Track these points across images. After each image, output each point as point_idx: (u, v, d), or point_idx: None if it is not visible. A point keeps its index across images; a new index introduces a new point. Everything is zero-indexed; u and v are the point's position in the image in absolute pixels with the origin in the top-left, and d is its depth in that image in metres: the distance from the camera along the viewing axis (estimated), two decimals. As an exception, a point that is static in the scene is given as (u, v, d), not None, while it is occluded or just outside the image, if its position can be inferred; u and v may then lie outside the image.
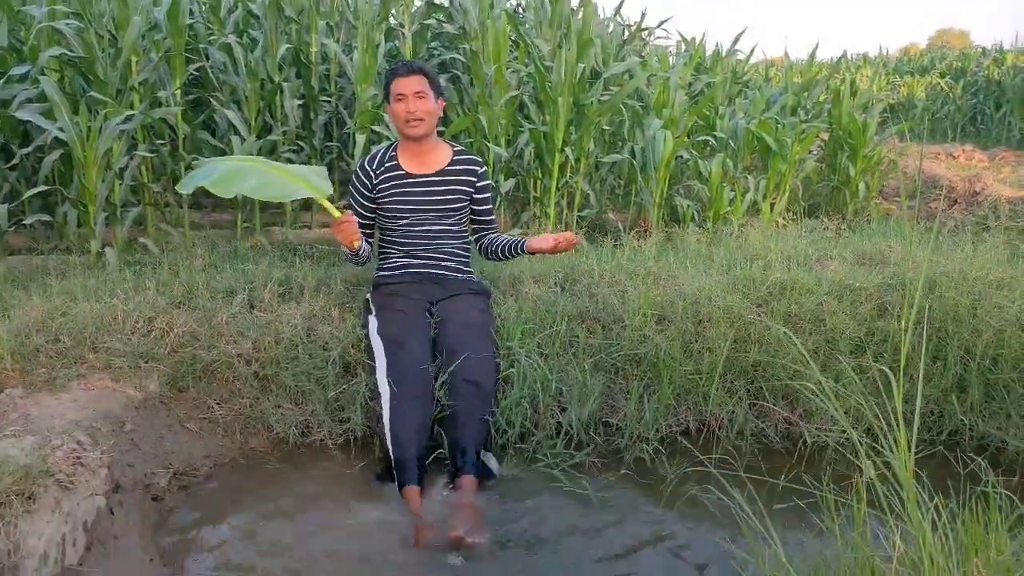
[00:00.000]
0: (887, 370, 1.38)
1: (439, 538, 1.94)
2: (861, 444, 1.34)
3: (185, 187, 2.41)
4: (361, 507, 2.13)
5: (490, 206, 2.75)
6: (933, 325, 2.58)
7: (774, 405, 2.50)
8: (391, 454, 2.21)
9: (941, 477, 1.94)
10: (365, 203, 2.65)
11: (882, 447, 1.32)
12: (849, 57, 12.53)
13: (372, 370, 2.40)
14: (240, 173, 2.40)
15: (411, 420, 2.23)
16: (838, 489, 1.48)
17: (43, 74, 3.37)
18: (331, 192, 2.48)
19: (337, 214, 2.45)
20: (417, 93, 2.51)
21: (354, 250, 2.50)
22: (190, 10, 4.16)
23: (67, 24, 3.43)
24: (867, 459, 1.31)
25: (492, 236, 2.75)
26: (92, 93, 3.42)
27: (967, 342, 2.55)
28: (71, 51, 3.42)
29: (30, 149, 3.49)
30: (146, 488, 2.11)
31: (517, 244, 2.65)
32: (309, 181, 2.44)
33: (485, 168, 2.72)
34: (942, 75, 11.83)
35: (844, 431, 2.30)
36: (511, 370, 2.47)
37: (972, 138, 9.79)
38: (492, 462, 2.30)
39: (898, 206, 5.29)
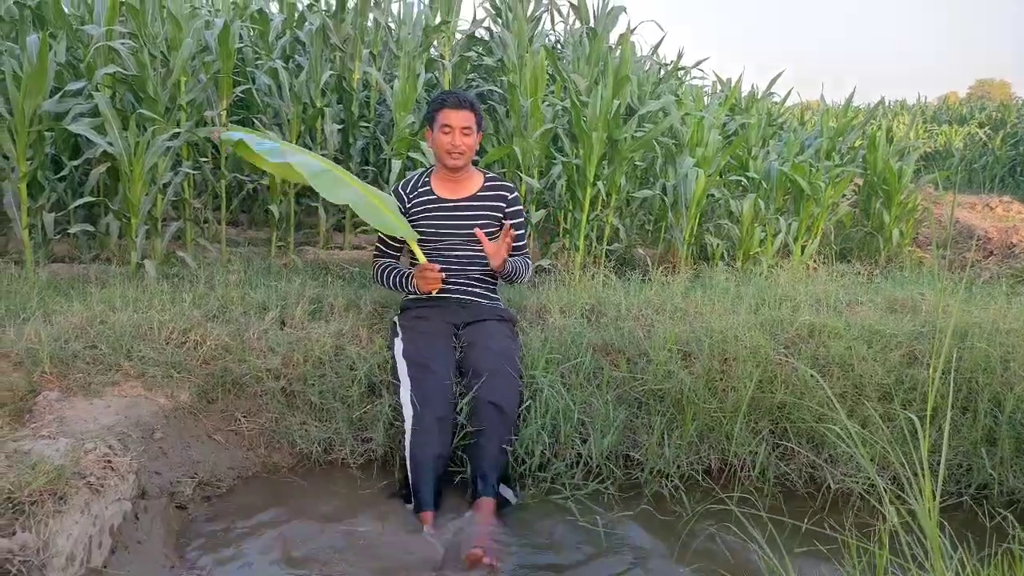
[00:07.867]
0: (914, 417, 1.37)
1: (455, 560, 1.94)
2: (886, 491, 1.33)
3: (235, 140, 2.48)
4: (380, 526, 2.14)
5: (521, 231, 2.77)
6: (963, 375, 2.54)
7: (798, 448, 2.47)
8: (409, 476, 2.23)
9: (966, 530, 1.90)
10: None
11: (907, 496, 1.30)
12: (887, 104, 12.47)
13: (396, 390, 2.43)
14: (336, 180, 2.49)
15: (431, 443, 2.25)
16: (861, 536, 1.47)
17: (97, 90, 3.51)
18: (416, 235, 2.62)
19: (423, 259, 2.60)
20: (464, 129, 2.60)
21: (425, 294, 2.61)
22: (240, 34, 4.31)
23: (122, 43, 3.57)
24: (891, 506, 1.29)
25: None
26: (142, 110, 3.54)
27: (998, 395, 2.51)
28: (125, 69, 3.55)
29: (79, 162, 3.62)
30: (171, 496, 2.15)
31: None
32: (400, 217, 2.56)
33: (517, 194, 2.76)
34: (981, 125, 11.72)
35: (869, 478, 2.27)
36: (530, 401, 2.48)
37: (1011, 190, 9.64)
38: (509, 494, 2.29)
39: (931, 254, 5.23)
